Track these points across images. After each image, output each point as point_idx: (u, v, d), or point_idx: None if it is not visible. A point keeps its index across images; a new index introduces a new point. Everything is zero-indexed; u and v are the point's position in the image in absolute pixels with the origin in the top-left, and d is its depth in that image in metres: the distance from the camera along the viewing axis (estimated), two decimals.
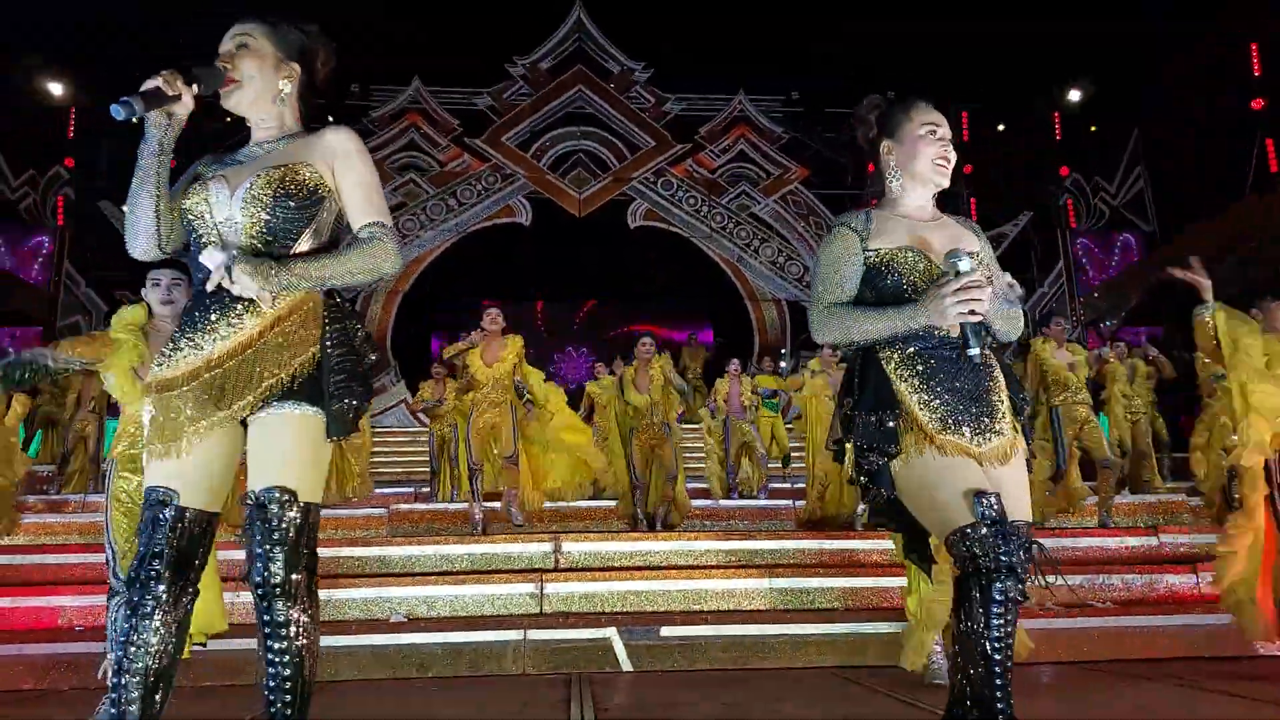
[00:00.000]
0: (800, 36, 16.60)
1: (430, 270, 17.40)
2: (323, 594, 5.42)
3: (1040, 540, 2.29)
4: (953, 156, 2.50)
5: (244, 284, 2.02)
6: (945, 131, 2.51)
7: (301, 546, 2.05)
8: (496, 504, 7.43)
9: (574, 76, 18.17)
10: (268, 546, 2.02)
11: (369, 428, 6.41)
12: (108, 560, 3.63)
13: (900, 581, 5.29)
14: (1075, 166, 17.48)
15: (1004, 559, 2.11)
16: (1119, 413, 8.73)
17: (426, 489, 9.71)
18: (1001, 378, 2.44)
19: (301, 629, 2.03)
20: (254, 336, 2.13)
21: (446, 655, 4.83)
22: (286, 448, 2.10)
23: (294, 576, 2.02)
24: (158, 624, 2.00)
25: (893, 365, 2.38)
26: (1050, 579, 2.26)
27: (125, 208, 2.17)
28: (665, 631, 5.14)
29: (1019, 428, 2.42)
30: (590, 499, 7.96)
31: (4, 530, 7.01)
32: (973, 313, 2.23)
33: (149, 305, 3.72)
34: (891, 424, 2.33)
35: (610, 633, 4.99)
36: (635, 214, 17.80)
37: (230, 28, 2.32)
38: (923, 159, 2.48)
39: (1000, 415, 2.37)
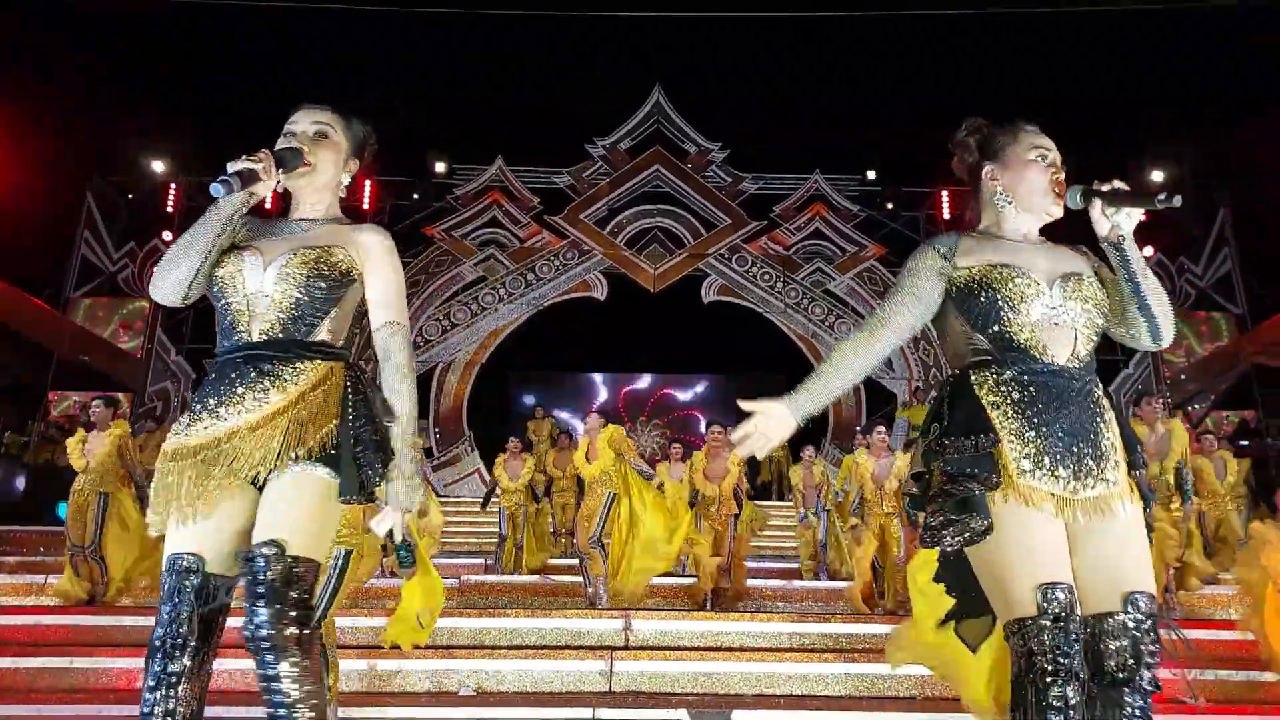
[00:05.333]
0: (876, 115, 16.75)
1: (507, 343, 17.67)
2: (392, 664, 5.50)
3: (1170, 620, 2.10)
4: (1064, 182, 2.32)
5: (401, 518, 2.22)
6: (1056, 156, 2.35)
7: (288, 600, 2.04)
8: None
9: (652, 156, 18.52)
10: (251, 599, 2.04)
11: (438, 506, 6.49)
12: None
13: None
14: (1159, 247, 17.10)
15: (1063, 661, 1.92)
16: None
17: (490, 562, 9.69)
18: (1115, 422, 2.18)
19: (292, 683, 2.00)
20: (279, 410, 2.18)
21: None
22: (285, 503, 2.14)
23: (281, 630, 2.01)
24: (183, 692, 2.02)
25: (985, 390, 2.16)
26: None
27: (168, 254, 2.25)
28: (737, 715, 5.02)
29: (1139, 488, 2.15)
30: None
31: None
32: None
33: None
34: (988, 447, 2.09)
35: (681, 714, 4.89)
36: (709, 289, 17.89)
37: (301, 106, 2.44)
38: (1033, 185, 2.32)
39: (1111, 461, 2.10)
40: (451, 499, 15.07)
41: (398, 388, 2.29)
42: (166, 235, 17.14)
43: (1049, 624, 1.95)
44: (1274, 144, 14.85)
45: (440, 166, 17.89)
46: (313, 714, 2.03)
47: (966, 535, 2.08)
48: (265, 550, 2.06)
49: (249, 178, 2.14)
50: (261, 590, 2.03)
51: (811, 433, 13.03)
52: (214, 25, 16.06)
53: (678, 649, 6.05)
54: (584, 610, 6.75)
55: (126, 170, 17.44)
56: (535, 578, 8.23)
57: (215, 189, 2.10)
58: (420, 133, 16.73)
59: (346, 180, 2.46)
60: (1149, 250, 16.90)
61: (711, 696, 5.48)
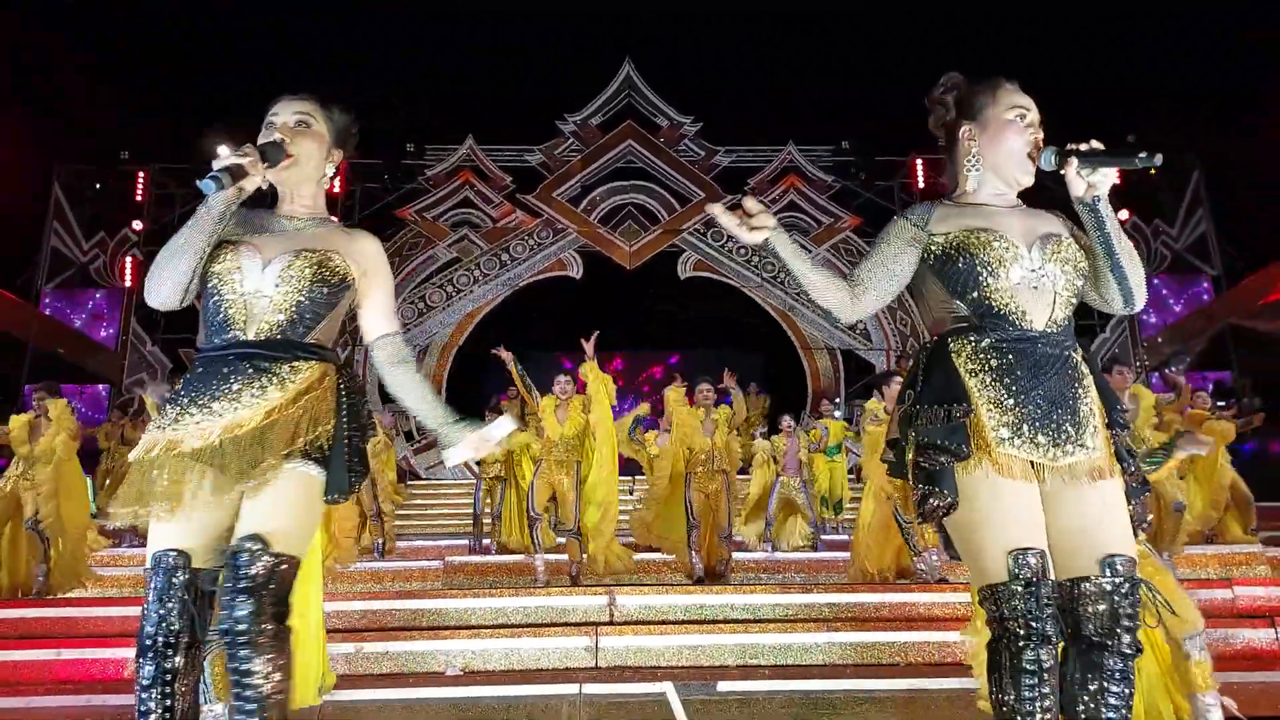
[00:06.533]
0: (849, 85, 16.69)
1: (483, 324, 17.58)
2: (379, 646, 5.52)
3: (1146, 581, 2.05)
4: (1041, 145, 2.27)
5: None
6: (1035, 116, 2.29)
7: (268, 596, 2.04)
8: (557, 556, 7.51)
9: (624, 132, 18.38)
10: (232, 595, 2.02)
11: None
12: None
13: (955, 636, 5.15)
14: (1134, 209, 17.18)
15: (1035, 625, 1.94)
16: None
17: (486, 541, 9.67)
18: (1094, 386, 2.18)
19: (264, 679, 2.00)
20: (278, 407, 2.18)
21: (502, 709, 4.81)
22: (271, 500, 2.13)
23: (259, 626, 2.00)
24: (179, 688, 2.02)
25: (963, 358, 2.15)
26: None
27: (161, 257, 2.20)
28: (722, 686, 5.06)
29: (1116, 448, 2.14)
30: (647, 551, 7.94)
31: (76, 585, 7.10)
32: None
33: None
34: (961, 417, 2.07)
35: (666, 687, 4.92)
36: (686, 265, 17.86)
37: (282, 97, 2.40)
38: (1008, 148, 2.27)
39: (1089, 428, 2.10)
40: (435, 480, 15.08)
41: (420, 384, 2.50)
42: (137, 224, 16.92)
43: (1020, 589, 1.97)
44: (1246, 105, 14.96)
45: (409, 146, 17.67)
46: (279, 710, 2.03)
47: (940, 508, 2.09)
48: (249, 545, 2.05)
49: (238, 173, 2.12)
50: (243, 585, 2.01)
51: (791, 404, 13.08)
52: (172, 5, 15.80)
53: (662, 623, 6.09)
54: (568, 588, 6.78)
55: (93, 158, 17.14)
56: (519, 557, 8.24)
57: (206, 185, 2.07)
58: (389, 113, 16.54)
59: (330, 171, 2.43)
60: (1124, 214, 17.03)
61: (696, 669, 5.53)
